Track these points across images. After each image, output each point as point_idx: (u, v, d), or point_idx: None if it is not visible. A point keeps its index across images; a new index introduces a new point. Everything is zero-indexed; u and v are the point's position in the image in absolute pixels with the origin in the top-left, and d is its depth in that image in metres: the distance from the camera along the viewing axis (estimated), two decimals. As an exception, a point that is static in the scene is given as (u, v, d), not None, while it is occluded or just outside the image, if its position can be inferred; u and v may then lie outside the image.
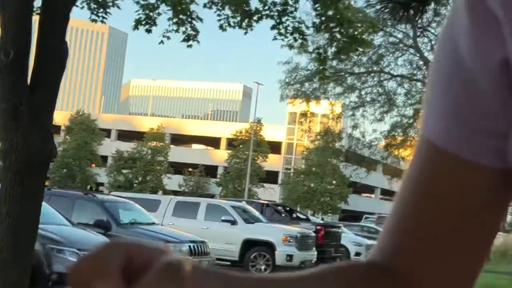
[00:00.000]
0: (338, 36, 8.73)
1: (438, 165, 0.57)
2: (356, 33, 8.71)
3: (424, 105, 0.59)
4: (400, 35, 22.97)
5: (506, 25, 0.51)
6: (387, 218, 0.61)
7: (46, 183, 6.34)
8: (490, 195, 0.57)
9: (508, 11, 0.50)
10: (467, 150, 0.56)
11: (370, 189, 60.60)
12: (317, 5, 8.31)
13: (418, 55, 21.96)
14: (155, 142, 46.69)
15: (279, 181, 49.93)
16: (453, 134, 0.56)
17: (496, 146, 0.55)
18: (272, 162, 51.75)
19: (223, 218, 15.12)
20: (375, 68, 23.64)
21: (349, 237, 21.03)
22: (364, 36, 9.02)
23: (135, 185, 44.43)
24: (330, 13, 8.35)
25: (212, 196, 43.85)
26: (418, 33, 21.06)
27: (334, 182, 44.09)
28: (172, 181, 48.71)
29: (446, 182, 0.57)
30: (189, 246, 11.68)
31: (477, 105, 0.54)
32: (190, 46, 8.58)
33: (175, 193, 40.41)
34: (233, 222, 15.05)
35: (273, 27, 8.84)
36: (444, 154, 0.57)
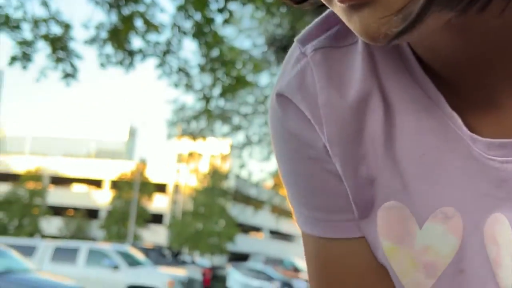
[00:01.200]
0: (223, 76, 8.78)
1: (323, 252, 0.62)
2: (240, 74, 8.79)
3: (294, 202, 0.64)
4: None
5: (314, 123, 0.58)
6: None
7: None
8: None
9: (312, 115, 0.58)
10: (333, 231, 0.60)
11: (257, 229, 61.10)
12: (201, 46, 8.31)
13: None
14: (32, 184, 44.61)
15: (166, 223, 49.16)
16: (316, 220, 0.61)
17: (350, 219, 0.60)
18: (159, 203, 50.95)
19: (105, 263, 14.55)
20: (261, 108, 24.07)
21: (236, 279, 20.93)
22: (248, 77, 9.11)
23: (10, 229, 42.05)
24: (214, 54, 8.38)
25: (94, 239, 42.33)
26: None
27: (222, 222, 44.03)
28: (51, 225, 46.59)
29: (335, 265, 0.61)
30: (67, 295, 11.09)
31: (325, 189, 0.59)
32: (69, 84, 8.27)
33: (54, 237, 38.62)
34: (116, 267, 14.51)
35: (157, 66, 8.75)
36: (320, 241, 0.62)
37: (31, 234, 41.49)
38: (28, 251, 14.47)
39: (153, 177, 49.15)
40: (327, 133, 0.57)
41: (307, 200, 0.61)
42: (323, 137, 0.58)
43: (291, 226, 66.28)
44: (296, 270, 32.38)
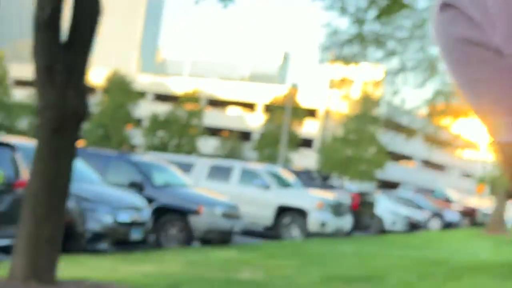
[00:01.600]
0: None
1: None
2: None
3: (484, 112, 0.59)
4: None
5: (485, 24, 0.56)
6: None
7: (83, 143, 6.35)
8: None
9: (482, 17, 0.56)
10: None
11: (408, 158, 59.98)
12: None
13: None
14: (190, 105, 46.79)
15: (316, 148, 49.73)
16: None
17: None
18: (309, 128, 51.49)
19: (257, 182, 15.07)
20: (418, 33, 23.04)
21: (385, 206, 20.87)
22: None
23: (170, 147, 44.76)
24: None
25: (246, 160, 43.94)
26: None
27: (372, 149, 43.67)
28: (207, 145, 48.93)
29: None
30: (221, 210, 11.69)
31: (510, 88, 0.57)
32: (226, 6, 8.43)
33: (209, 156, 40.59)
34: (267, 187, 15.00)
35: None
36: None
37: (189, 153, 43.94)
38: (186, 168, 15.31)
39: (304, 102, 49.52)
40: (501, 32, 0.54)
41: (497, 106, 0.57)
42: (497, 37, 0.55)
43: (444, 156, 64.23)
44: (448, 200, 31.59)
